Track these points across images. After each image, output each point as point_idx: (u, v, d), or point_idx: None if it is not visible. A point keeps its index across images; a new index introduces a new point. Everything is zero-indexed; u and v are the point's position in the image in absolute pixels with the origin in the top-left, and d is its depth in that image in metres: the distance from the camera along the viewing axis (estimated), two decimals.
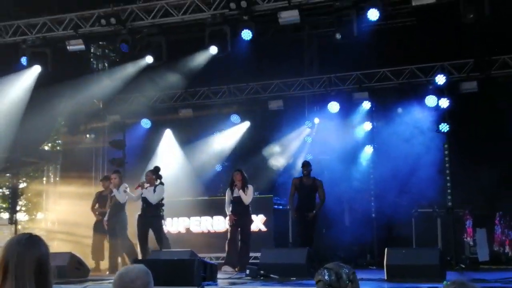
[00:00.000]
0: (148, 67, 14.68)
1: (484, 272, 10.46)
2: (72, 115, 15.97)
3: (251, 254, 11.64)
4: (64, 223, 15.63)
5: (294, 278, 9.23)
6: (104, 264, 12.62)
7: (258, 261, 10.97)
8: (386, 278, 8.71)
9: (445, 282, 3.77)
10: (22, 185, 18.52)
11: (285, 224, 13.57)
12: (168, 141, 15.96)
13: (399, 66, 13.80)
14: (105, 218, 12.12)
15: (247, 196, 11.39)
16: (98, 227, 12.68)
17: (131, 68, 14.72)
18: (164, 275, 7.73)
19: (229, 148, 15.44)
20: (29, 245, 2.92)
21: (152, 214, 11.57)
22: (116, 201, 11.88)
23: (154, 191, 11.56)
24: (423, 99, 13.14)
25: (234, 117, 15.09)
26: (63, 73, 13.79)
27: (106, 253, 12.44)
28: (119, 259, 11.93)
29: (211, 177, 15.35)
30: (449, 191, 11.95)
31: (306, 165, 12.26)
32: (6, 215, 16.90)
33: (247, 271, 9.72)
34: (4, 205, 18.68)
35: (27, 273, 2.82)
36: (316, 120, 14.75)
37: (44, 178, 17.00)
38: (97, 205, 12.92)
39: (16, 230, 14.39)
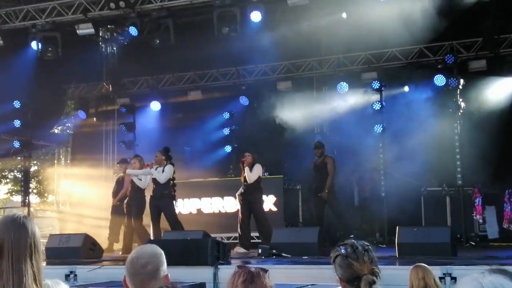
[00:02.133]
0: (157, 50, 14.76)
1: (494, 249, 10.55)
2: (82, 98, 16.08)
3: (252, 234, 11.74)
4: (76, 204, 15.83)
5: (306, 257, 9.34)
6: (118, 245, 12.80)
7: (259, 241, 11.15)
8: (397, 256, 8.82)
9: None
10: (33, 168, 18.70)
11: (295, 204, 13.72)
12: (178, 123, 16.01)
13: (408, 45, 13.79)
14: (125, 201, 12.28)
15: (252, 174, 11.42)
16: (115, 210, 12.88)
17: (140, 51, 14.80)
18: (177, 255, 7.84)
19: (238, 129, 15.49)
20: (24, 225, 2.88)
21: (161, 195, 11.66)
22: (135, 185, 12.01)
23: (163, 171, 11.64)
24: (432, 79, 13.15)
25: (243, 99, 15.13)
26: (73, 57, 13.86)
27: (122, 236, 12.64)
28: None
29: (221, 158, 15.43)
30: (458, 169, 12.02)
31: (316, 146, 12.42)
32: (18, 198, 17.09)
33: (259, 251, 9.85)
34: (16, 188, 18.94)
35: (22, 252, 2.79)
36: (325, 101, 14.76)
37: (55, 161, 17.17)
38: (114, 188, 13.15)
39: (28, 212, 14.56)
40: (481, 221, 11.98)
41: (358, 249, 3.22)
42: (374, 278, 3.15)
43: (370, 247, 3.33)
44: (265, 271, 2.98)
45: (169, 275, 3.26)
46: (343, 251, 3.24)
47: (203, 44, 13.78)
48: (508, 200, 11.70)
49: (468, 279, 2.18)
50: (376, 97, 13.36)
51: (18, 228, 2.85)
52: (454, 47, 13.43)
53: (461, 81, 12.66)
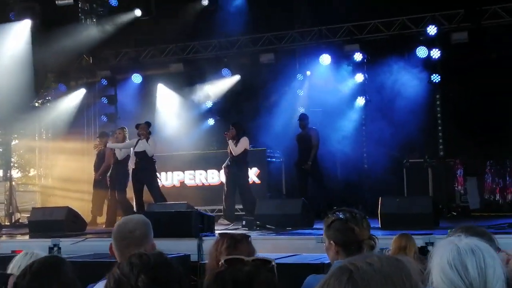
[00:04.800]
0: (137, 21, 14.59)
1: (475, 219, 10.67)
2: (62, 70, 15.88)
3: (236, 206, 11.79)
4: (58, 178, 15.73)
5: (290, 228, 9.40)
6: (101, 219, 12.79)
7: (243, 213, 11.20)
8: (380, 227, 8.88)
9: (449, 230, 3.89)
10: (14, 142, 18.52)
11: (278, 176, 13.77)
12: (160, 96, 15.91)
13: (390, 17, 13.77)
14: (108, 174, 12.27)
15: (237, 147, 11.44)
16: (98, 183, 12.85)
17: (120, 23, 14.62)
18: (162, 227, 7.80)
19: (221, 102, 15.44)
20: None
21: (144, 168, 11.64)
22: (117, 158, 11.98)
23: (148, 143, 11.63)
24: (414, 50, 13.15)
25: (225, 71, 15.03)
26: (51, 28, 13.65)
27: (105, 210, 12.63)
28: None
29: (203, 131, 15.40)
30: (440, 141, 12.11)
31: (300, 118, 12.48)
32: (0, 172, 16.95)
33: (243, 222, 9.89)
34: None
35: None
36: (308, 73, 14.72)
37: (36, 135, 17.01)
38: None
39: (10, 186, 14.46)
40: (462, 192, 12.10)
41: (357, 215, 3.23)
42: (374, 243, 3.19)
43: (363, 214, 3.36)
44: (248, 236, 2.99)
45: (155, 244, 3.26)
46: (341, 216, 3.24)
47: (184, 16, 13.64)
48: (490, 171, 11.82)
49: (444, 242, 2.21)
50: (358, 69, 13.38)
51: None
52: (436, 18, 13.41)
53: (443, 52, 12.69)
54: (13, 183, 15.39)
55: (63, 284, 2.28)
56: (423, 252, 6.15)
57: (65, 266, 2.38)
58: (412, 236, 5.68)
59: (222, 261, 2.09)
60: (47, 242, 8.33)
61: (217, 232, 8.82)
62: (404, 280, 1.30)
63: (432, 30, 12.90)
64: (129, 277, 1.69)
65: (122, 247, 3.09)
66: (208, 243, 8.11)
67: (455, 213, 11.43)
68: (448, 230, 3.66)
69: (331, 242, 3.24)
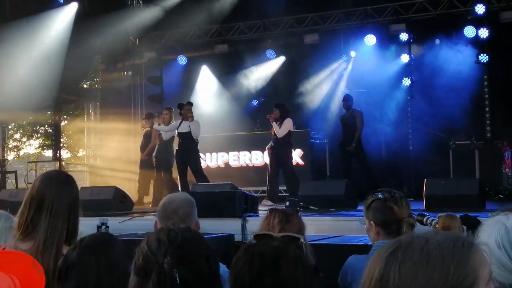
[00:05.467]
0: (183, 3, 14.68)
1: None
2: (109, 52, 16.12)
3: (280, 188, 11.83)
4: (106, 159, 16.05)
5: (333, 209, 9.41)
6: (148, 198, 13.01)
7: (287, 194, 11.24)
8: (425, 209, 8.80)
9: (489, 214, 3.86)
10: (63, 123, 18.91)
11: (322, 157, 13.77)
12: (205, 77, 16.03)
13: None
14: (153, 154, 12.47)
15: (281, 129, 11.44)
16: (144, 164, 13.07)
17: (165, 4, 14.74)
18: (205, 207, 7.88)
19: (266, 83, 15.46)
20: (67, 183, 2.98)
21: (188, 149, 11.74)
22: (163, 139, 12.15)
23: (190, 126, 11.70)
24: (462, 30, 12.92)
25: (270, 52, 15.04)
26: (99, 11, 13.86)
27: (151, 189, 12.85)
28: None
29: (248, 112, 15.45)
30: (488, 122, 11.91)
31: (345, 99, 12.45)
32: (49, 152, 17.35)
33: (287, 203, 9.92)
34: (47, 143, 19.21)
35: (62, 211, 2.87)
36: (353, 54, 14.61)
37: (85, 116, 17.35)
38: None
39: (60, 166, 14.81)
40: (510, 174, 11.88)
41: (396, 195, 3.26)
42: (414, 221, 3.21)
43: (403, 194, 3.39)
44: (297, 211, 3.04)
45: (199, 223, 3.32)
46: (380, 195, 3.27)
47: None
48: None
49: (492, 221, 2.20)
50: (404, 49, 13.21)
51: (60, 185, 2.93)
52: None
53: (491, 32, 12.43)
54: (63, 163, 15.75)
55: (111, 260, 2.36)
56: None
57: (115, 243, 2.47)
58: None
59: (252, 236, 2.13)
60: (95, 221, 8.51)
61: (262, 215, 8.88)
62: (451, 266, 1.26)
63: (480, 9, 12.64)
64: (156, 254, 1.72)
65: (166, 226, 3.15)
66: (252, 223, 8.20)
67: (502, 196, 11.25)
68: (489, 214, 3.64)
69: (371, 222, 3.27)
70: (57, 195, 2.88)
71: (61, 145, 17.84)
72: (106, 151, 16.09)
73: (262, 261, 1.81)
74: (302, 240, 2.31)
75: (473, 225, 3.92)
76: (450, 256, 1.26)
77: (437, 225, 5.39)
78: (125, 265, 2.33)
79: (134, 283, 1.72)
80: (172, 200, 3.28)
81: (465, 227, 3.98)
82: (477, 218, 4.17)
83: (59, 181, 2.95)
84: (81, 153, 19.44)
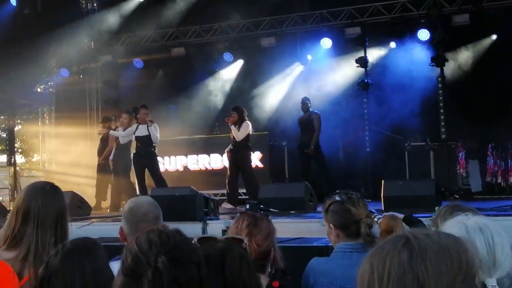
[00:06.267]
0: (139, 6, 14.58)
1: (478, 201, 10.72)
2: (64, 56, 15.88)
3: (240, 191, 11.82)
4: (62, 163, 15.79)
5: (293, 211, 9.45)
6: (105, 203, 12.85)
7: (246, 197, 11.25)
8: (383, 209, 8.92)
9: (437, 208, 3.98)
10: (17, 128, 18.54)
11: (281, 160, 13.83)
12: (161, 81, 15.94)
13: (391, 0, 13.75)
14: (110, 158, 12.32)
15: (239, 132, 11.43)
16: (101, 168, 12.91)
17: (121, 7, 14.60)
18: (166, 211, 7.77)
19: (223, 86, 15.45)
20: (53, 194, 2.96)
21: (146, 152, 11.62)
22: (120, 143, 12.02)
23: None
24: (416, 33, 13.15)
25: (227, 55, 15.04)
26: (53, 14, 13.64)
27: (109, 194, 12.68)
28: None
29: (206, 116, 15.41)
30: (442, 123, 12.14)
31: (302, 101, 12.53)
32: (3, 157, 17.00)
33: (247, 206, 9.91)
34: (1, 147, 18.78)
35: (48, 222, 2.85)
36: (309, 57, 14.72)
37: (39, 120, 17.05)
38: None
39: (15, 171, 14.52)
40: (464, 174, 12.16)
41: (353, 196, 3.30)
42: (371, 221, 3.25)
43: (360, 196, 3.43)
44: (267, 215, 3.04)
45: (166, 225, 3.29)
46: (338, 198, 3.31)
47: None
48: (491, 154, 11.88)
49: (453, 222, 2.24)
50: (360, 52, 13.38)
51: (46, 195, 2.91)
52: (437, 1, 13.38)
53: (444, 35, 12.68)
54: (17, 168, 15.45)
55: (96, 265, 2.30)
56: None
57: (98, 247, 2.41)
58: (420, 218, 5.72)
59: (195, 239, 2.12)
60: None
61: (222, 218, 8.88)
62: (460, 253, 1.32)
63: (433, 12, 12.89)
64: (147, 255, 1.66)
65: (136, 231, 3.07)
66: (213, 226, 8.18)
67: (457, 196, 11.49)
68: (436, 208, 3.75)
69: (331, 225, 3.31)
70: (43, 206, 2.85)
71: (16, 149, 17.50)
72: (62, 156, 15.84)
73: (207, 262, 1.79)
74: (245, 241, 2.32)
75: (415, 225, 4.03)
76: (461, 246, 1.34)
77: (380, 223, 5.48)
78: (110, 269, 2.29)
79: (121, 283, 1.67)
80: (139, 204, 3.25)
81: (408, 227, 4.06)
82: (419, 218, 4.29)
83: (44, 192, 2.92)
84: (36, 158, 19.08)
